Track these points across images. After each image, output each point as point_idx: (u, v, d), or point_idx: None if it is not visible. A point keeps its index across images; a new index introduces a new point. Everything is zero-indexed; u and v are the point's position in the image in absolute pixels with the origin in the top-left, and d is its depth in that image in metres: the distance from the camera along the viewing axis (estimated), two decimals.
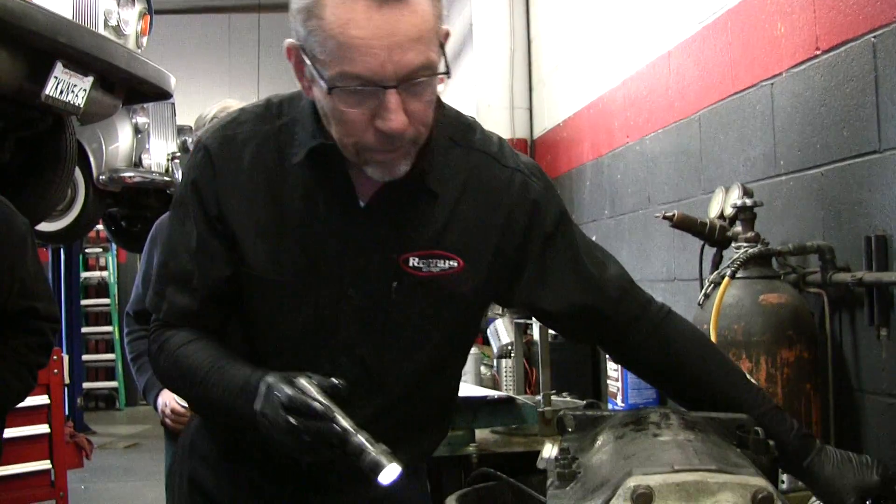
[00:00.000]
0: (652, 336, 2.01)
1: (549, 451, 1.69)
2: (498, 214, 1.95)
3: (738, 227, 2.95)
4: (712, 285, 2.86)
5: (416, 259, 1.90)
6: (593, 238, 2.09)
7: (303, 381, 1.71)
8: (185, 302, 1.94)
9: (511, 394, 4.13)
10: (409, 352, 1.96)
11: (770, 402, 1.95)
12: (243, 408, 1.77)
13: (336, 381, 1.72)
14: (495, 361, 5.19)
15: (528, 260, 1.98)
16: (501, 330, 5.18)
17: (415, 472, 2.20)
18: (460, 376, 2.23)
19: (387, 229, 1.89)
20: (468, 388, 4.26)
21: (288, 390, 1.69)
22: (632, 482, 1.21)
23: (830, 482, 1.81)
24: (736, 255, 2.82)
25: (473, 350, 5.20)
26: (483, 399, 3.76)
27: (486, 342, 5.79)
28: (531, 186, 1.97)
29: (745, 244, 2.86)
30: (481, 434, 3.89)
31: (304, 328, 1.91)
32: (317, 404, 1.67)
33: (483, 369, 5.17)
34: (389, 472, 1.61)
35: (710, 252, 3.23)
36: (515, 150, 2.03)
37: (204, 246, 1.92)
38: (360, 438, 1.64)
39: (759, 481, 1.22)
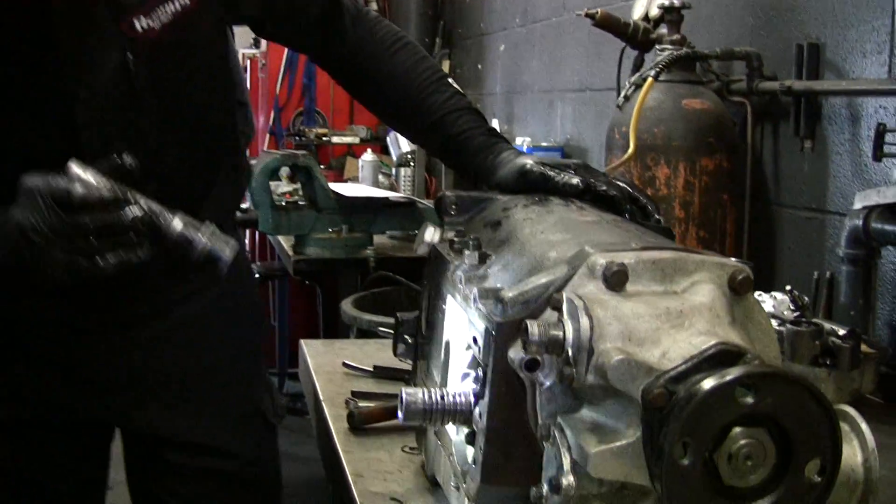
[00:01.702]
0: (352, 46, 1.83)
1: (431, 234, 1.53)
2: None
3: (662, 30, 2.79)
4: (633, 87, 2.72)
5: (142, 19, 1.53)
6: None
7: (75, 168, 1.32)
8: None
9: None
10: (177, 121, 1.67)
11: (465, 103, 1.77)
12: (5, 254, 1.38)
13: (118, 158, 1.36)
14: (394, 170, 5.05)
15: None
16: (402, 137, 5.03)
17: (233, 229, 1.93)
18: (233, 102, 1.91)
19: (88, 3, 1.51)
20: (368, 190, 4.12)
21: (58, 182, 1.31)
22: (601, 258, 1.07)
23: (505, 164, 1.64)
24: (660, 57, 2.67)
25: (371, 157, 5.05)
26: (384, 201, 3.62)
27: (385, 150, 5.65)
28: None
29: (669, 47, 2.71)
30: (379, 239, 3.78)
31: (45, 159, 1.37)
32: (104, 190, 1.30)
33: (381, 178, 5.03)
34: (229, 254, 1.34)
35: (629, 57, 3.07)
36: None
37: None
38: (179, 220, 1.33)
39: (737, 263, 1.10)
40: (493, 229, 1.43)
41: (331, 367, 2.27)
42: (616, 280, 1.05)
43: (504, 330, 1.11)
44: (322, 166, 5.96)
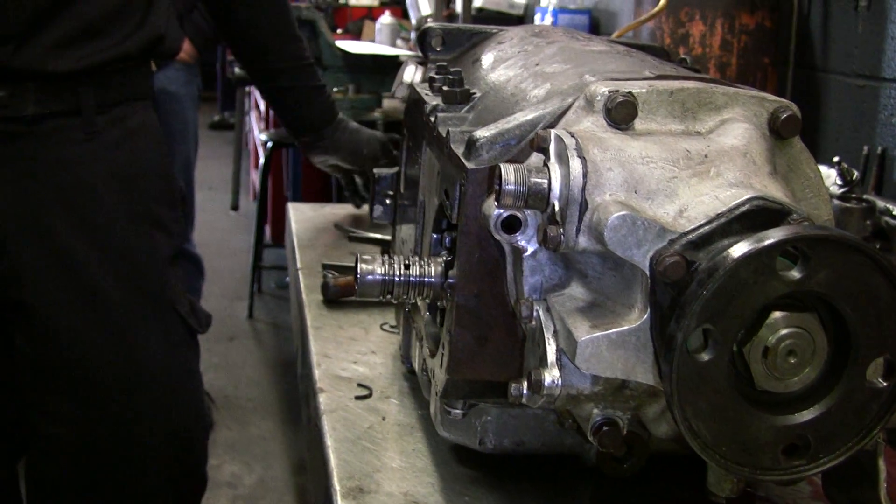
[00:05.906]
0: None
1: (412, 73, 1.29)
2: None
3: None
4: None
5: None
6: None
7: None
8: None
9: None
10: None
11: (309, 59, 2.06)
12: None
13: None
14: (413, 34, 4.76)
15: None
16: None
17: None
18: None
19: None
20: (376, 47, 3.84)
21: None
22: (602, 87, 0.82)
23: (349, 145, 2.07)
24: None
25: (389, 20, 4.77)
26: (394, 60, 3.35)
27: (406, 14, 5.35)
28: None
29: None
30: (390, 103, 3.53)
31: None
32: None
33: (399, 42, 4.74)
34: None
35: None
36: None
37: None
38: None
39: (780, 99, 0.85)
40: (481, 65, 1.17)
41: (316, 232, 2.04)
42: (621, 114, 0.80)
43: (477, 179, 0.86)
44: (339, 30, 5.69)
